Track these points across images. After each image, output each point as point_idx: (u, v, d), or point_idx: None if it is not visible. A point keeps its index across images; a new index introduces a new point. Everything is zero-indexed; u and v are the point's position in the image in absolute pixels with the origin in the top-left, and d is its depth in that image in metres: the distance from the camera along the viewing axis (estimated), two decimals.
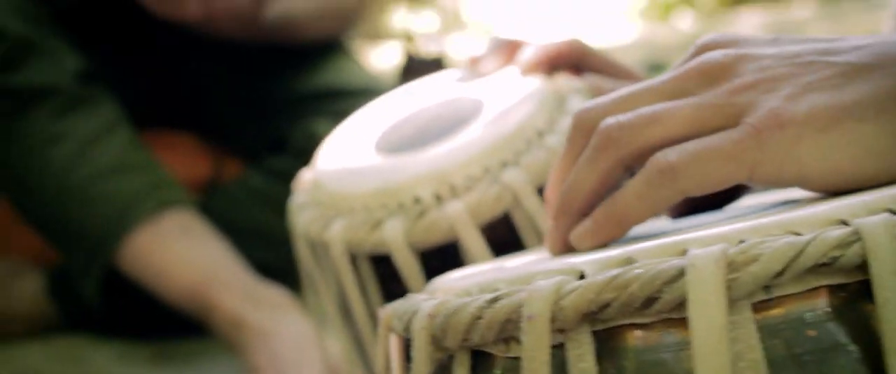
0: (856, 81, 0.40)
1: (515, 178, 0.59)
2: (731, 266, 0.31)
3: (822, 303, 0.31)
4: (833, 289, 0.31)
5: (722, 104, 0.41)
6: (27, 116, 1.16)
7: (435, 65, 2.03)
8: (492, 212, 0.58)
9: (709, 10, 4.69)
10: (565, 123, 0.61)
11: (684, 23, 4.51)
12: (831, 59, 0.41)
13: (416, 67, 2.18)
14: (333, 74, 1.39)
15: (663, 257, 0.32)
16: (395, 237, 0.59)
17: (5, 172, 1.19)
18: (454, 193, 0.59)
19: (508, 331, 0.34)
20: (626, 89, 0.45)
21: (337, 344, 0.84)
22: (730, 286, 0.31)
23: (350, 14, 1.45)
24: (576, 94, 0.64)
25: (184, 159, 1.37)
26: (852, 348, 0.31)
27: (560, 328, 0.33)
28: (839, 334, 0.31)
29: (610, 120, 0.43)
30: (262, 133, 1.38)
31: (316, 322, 1.02)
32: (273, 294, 1.09)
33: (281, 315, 1.06)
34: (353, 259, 0.62)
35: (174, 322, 1.19)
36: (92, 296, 1.19)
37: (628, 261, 0.33)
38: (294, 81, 1.37)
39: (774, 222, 0.32)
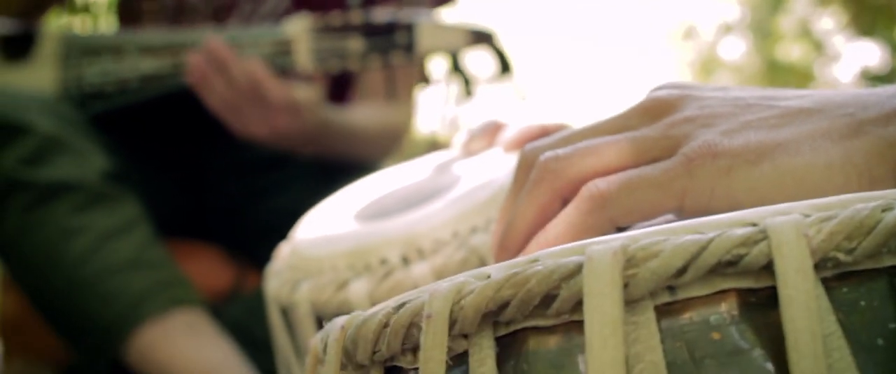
0: (793, 123, 0.39)
1: (483, 242, 0.58)
2: (631, 262, 0.29)
3: (728, 306, 0.30)
4: (742, 293, 0.30)
5: (658, 137, 0.41)
6: (47, 210, 1.17)
7: None
8: None
9: None
10: None
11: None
12: (773, 103, 0.41)
13: None
14: None
15: (566, 256, 0.31)
16: (360, 298, 0.58)
17: (22, 263, 1.19)
18: (421, 255, 0.59)
19: (414, 338, 0.33)
20: (571, 128, 0.44)
21: None
22: (629, 283, 0.29)
23: (399, 136, 1.47)
24: None
25: (206, 269, 1.37)
26: (757, 352, 0.29)
27: (464, 332, 0.32)
28: (744, 338, 0.29)
29: (548, 153, 0.42)
30: None
31: None
32: None
33: None
34: (320, 322, 0.61)
35: None
36: None
37: (534, 262, 0.32)
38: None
39: (682, 226, 0.31)
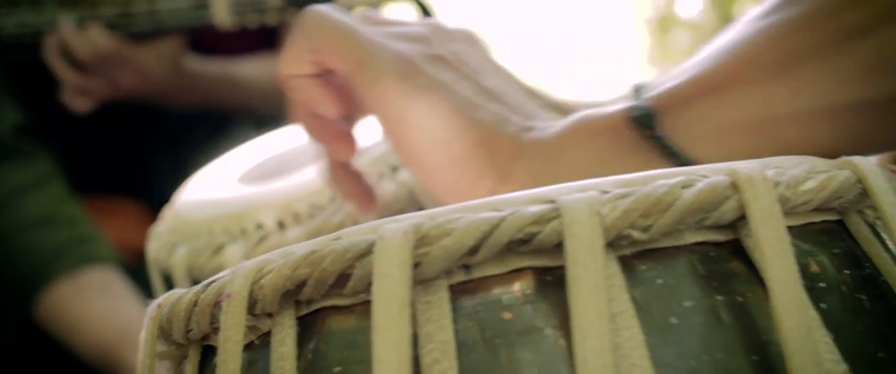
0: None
1: None
2: (423, 241, 0.29)
3: (523, 286, 0.29)
4: (538, 272, 0.29)
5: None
6: None
7: None
8: None
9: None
10: None
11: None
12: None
13: None
14: None
15: (365, 234, 0.31)
16: (234, 263, 0.57)
17: None
18: (297, 220, 0.58)
19: (218, 317, 0.33)
20: None
21: None
22: (421, 262, 0.29)
23: None
24: None
25: (125, 227, 1.34)
26: (549, 332, 0.28)
27: (266, 311, 0.32)
28: (537, 317, 0.29)
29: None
30: None
31: None
32: None
33: None
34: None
35: None
36: (7, 347, 1.17)
37: (336, 239, 0.31)
38: None
39: (483, 203, 0.31)
